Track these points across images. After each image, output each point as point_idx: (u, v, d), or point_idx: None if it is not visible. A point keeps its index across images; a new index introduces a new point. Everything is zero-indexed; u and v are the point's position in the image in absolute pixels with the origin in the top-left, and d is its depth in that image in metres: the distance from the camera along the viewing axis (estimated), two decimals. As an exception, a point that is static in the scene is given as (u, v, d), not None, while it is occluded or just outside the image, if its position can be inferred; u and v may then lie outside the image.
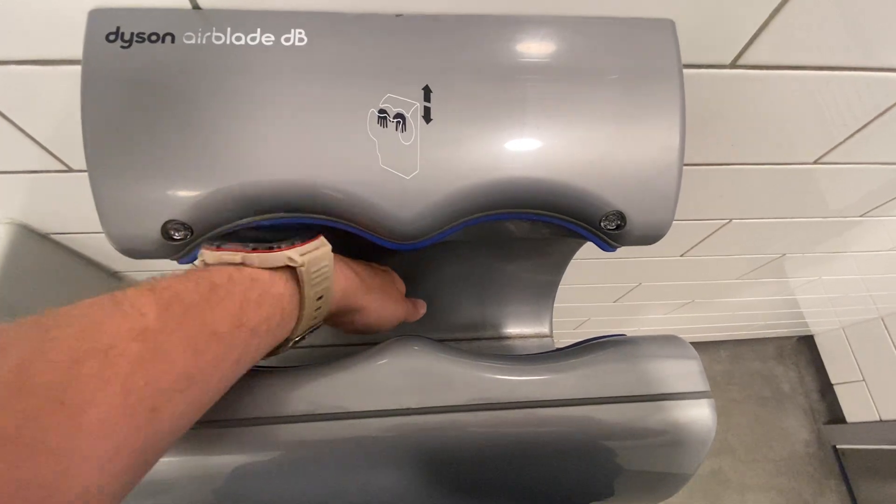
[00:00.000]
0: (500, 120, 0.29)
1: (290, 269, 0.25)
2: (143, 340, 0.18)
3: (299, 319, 0.26)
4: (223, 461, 0.25)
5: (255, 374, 0.28)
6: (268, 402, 0.26)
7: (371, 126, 0.28)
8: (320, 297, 0.27)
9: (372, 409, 0.26)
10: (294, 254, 0.25)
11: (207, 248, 0.25)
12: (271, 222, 0.30)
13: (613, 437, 0.27)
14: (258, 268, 0.25)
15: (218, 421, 0.25)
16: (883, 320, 1.34)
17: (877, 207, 0.63)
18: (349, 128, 0.28)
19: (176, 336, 0.19)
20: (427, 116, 0.28)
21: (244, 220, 0.29)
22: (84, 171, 0.43)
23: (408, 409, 0.26)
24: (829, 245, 0.77)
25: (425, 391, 0.27)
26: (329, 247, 0.28)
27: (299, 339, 0.28)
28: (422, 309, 0.43)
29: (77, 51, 0.31)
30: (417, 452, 0.26)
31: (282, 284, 0.25)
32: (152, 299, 0.20)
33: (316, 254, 0.26)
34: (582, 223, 0.32)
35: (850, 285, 1.07)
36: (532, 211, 0.31)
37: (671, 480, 0.30)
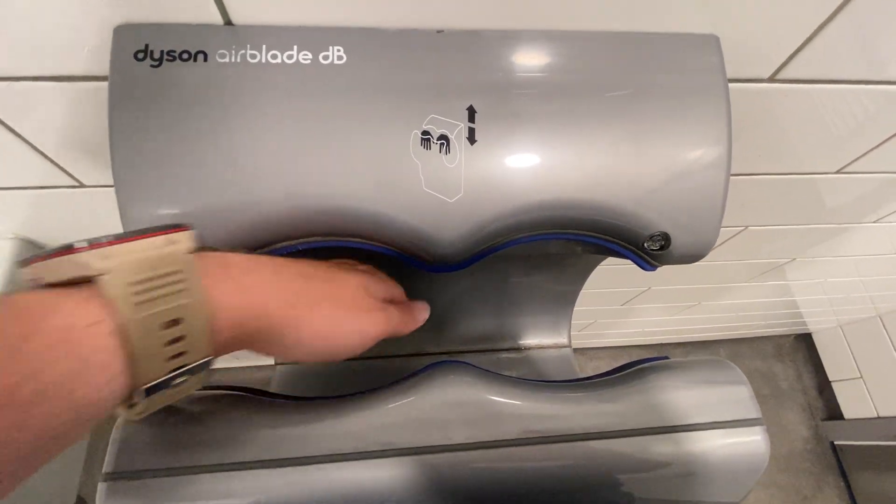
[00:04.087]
0: (546, 140, 0.28)
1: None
2: None
3: (132, 358, 0.18)
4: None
5: (290, 409, 0.27)
6: (308, 440, 0.25)
7: (414, 148, 0.27)
8: (174, 322, 0.18)
9: (420, 445, 0.25)
10: (95, 255, 0.17)
11: (21, 264, 0.19)
12: (307, 246, 0.29)
13: (666, 468, 0.27)
14: (49, 285, 0.18)
15: (247, 462, 0.24)
16: (881, 318, 1.36)
17: (891, 214, 0.63)
18: (392, 150, 0.27)
19: None
20: (472, 138, 0.27)
21: (279, 245, 0.28)
22: (96, 186, 0.41)
23: (457, 444, 0.25)
24: (838, 249, 0.77)
25: (474, 425, 0.26)
26: (185, 245, 0.20)
27: (162, 385, 0.19)
28: (420, 315, 0.33)
29: (96, 67, 0.30)
30: (468, 489, 0.25)
31: (70, 311, 0.17)
32: None
33: (147, 255, 0.18)
34: (625, 244, 0.31)
35: (850, 286, 1.08)
36: (576, 232, 0.30)
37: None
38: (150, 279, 0.18)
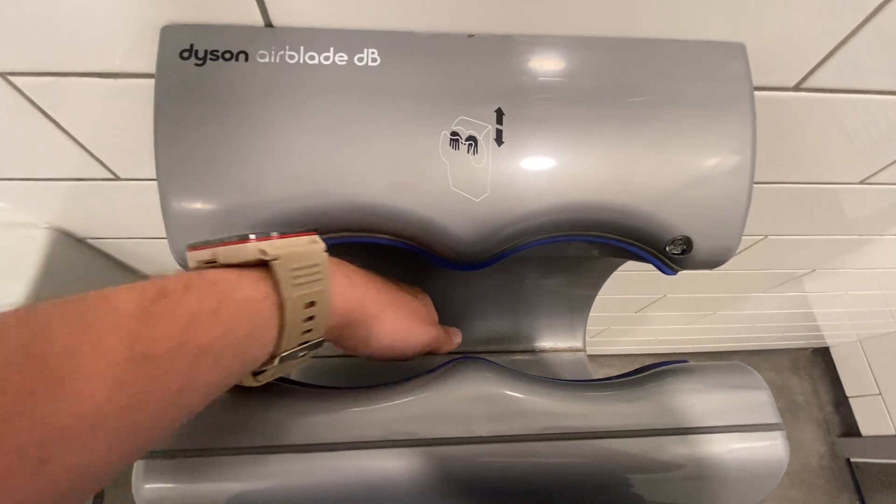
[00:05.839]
0: (572, 143, 0.28)
1: (266, 268, 0.22)
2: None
3: (282, 329, 0.22)
4: (288, 487, 0.25)
5: (317, 397, 0.27)
6: (335, 427, 0.26)
7: (443, 148, 0.28)
8: (311, 304, 0.23)
9: (443, 436, 0.26)
10: (267, 245, 0.21)
11: (190, 248, 0.23)
12: (337, 240, 0.30)
13: (683, 469, 0.27)
14: (223, 266, 0.22)
15: (277, 446, 0.25)
16: (902, 334, 1.33)
17: (914, 226, 0.62)
18: (421, 150, 0.27)
19: (87, 361, 0.16)
20: (499, 139, 0.28)
21: (310, 239, 0.29)
22: (132, 179, 0.43)
23: (479, 437, 0.26)
24: (859, 261, 0.76)
25: (496, 419, 0.26)
26: (322, 245, 0.24)
27: (291, 355, 0.23)
28: (457, 339, 0.39)
29: (140, 65, 0.31)
30: (487, 482, 0.26)
31: (251, 286, 0.21)
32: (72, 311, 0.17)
33: (300, 249, 0.23)
34: (646, 247, 0.31)
35: (871, 300, 1.06)
36: (598, 234, 0.31)
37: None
38: (302, 268, 0.22)
